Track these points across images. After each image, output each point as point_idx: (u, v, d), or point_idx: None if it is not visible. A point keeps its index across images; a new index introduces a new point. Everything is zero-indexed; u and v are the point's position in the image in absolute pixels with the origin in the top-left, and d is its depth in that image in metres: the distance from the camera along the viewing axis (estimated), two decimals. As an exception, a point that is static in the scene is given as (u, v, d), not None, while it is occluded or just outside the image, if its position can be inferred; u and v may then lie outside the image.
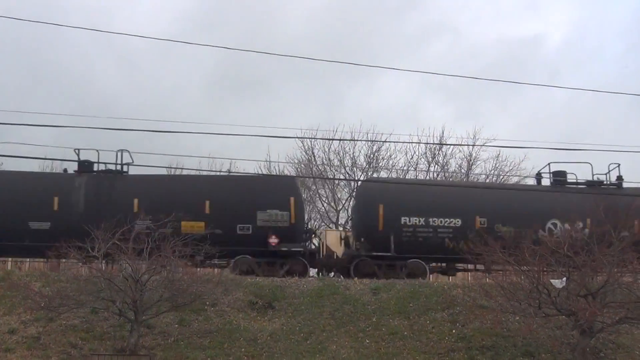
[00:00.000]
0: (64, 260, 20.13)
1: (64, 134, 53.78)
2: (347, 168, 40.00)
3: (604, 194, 21.81)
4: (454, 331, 17.87)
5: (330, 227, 37.79)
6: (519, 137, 63.94)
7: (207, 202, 22.57)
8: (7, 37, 67.12)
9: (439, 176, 40.11)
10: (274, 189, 23.87)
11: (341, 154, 40.28)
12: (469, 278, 24.97)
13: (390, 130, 66.95)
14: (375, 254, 22.71)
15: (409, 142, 42.24)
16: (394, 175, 38.18)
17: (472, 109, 60.27)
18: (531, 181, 29.60)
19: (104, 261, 17.40)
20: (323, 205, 39.98)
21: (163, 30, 59.86)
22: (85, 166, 23.27)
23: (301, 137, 39.28)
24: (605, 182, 24.46)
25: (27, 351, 16.18)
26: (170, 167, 35.31)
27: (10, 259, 25.82)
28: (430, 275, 23.44)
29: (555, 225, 22.44)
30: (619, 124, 60.26)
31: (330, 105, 61.00)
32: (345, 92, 62.95)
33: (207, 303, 18.30)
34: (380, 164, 40.18)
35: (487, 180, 37.92)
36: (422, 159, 41.38)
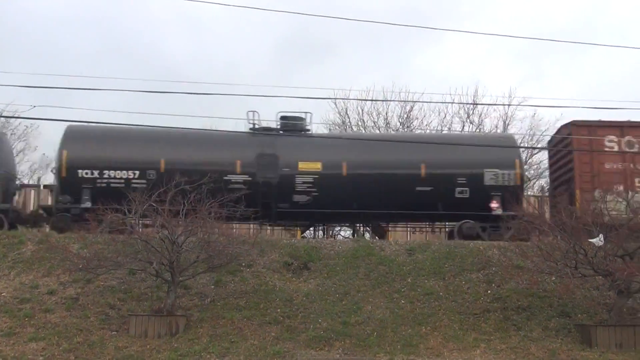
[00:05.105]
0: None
1: (131, 100, 54.20)
2: (380, 129, 39.98)
3: None
4: (489, 291, 17.83)
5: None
6: (593, 97, 62.19)
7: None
8: (76, 3, 67.58)
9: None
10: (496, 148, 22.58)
11: (374, 115, 40.27)
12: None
13: (423, 89, 66.48)
14: None
15: (443, 102, 41.79)
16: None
17: (537, 70, 59.89)
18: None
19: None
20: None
21: (233, -4, 59.74)
22: None
23: (333, 98, 39.33)
24: None
25: (66, 312, 16.41)
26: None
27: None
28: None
29: None
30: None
31: (396, 70, 60.83)
32: (412, 55, 62.67)
33: (243, 264, 18.40)
34: (413, 124, 40.15)
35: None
36: (456, 118, 41.27)
